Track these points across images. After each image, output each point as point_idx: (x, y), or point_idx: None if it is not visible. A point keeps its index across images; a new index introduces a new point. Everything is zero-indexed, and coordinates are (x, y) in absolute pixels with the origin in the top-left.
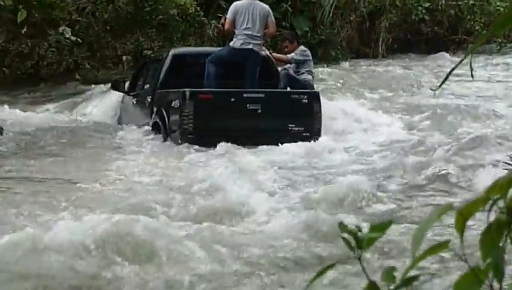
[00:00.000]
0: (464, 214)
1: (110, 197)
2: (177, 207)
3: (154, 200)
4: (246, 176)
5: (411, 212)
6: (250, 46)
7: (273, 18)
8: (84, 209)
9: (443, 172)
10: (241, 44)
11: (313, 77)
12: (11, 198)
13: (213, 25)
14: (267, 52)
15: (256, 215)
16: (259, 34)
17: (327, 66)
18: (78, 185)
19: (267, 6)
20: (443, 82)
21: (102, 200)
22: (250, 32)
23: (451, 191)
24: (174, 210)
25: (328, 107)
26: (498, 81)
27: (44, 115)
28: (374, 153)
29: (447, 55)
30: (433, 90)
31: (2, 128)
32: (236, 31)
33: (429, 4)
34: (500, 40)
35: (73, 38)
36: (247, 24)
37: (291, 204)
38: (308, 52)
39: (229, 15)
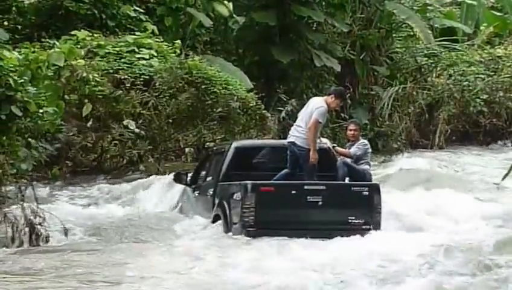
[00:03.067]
0: None
1: None
2: None
3: None
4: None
5: None
6: (292, 139)
7: (319, 113)
8: None
9: None
10: (289, 138)
11: (370, 166)
12: None
13: (273, 117)
14: (329, 145)
15: None
16: (303, 126)
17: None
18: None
19: (320, 103)
20: (506, 175)
21: None
22: (297, 125)
23: None
24: None
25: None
26: None
27: (107, 211)
28: None
29: (507, 147)
30: (495, 184)
31: (66, 229)
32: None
33: (487, 96)
34: None
35: (137, 130)
36: (300, 119)
37: None
38: (368, 145)
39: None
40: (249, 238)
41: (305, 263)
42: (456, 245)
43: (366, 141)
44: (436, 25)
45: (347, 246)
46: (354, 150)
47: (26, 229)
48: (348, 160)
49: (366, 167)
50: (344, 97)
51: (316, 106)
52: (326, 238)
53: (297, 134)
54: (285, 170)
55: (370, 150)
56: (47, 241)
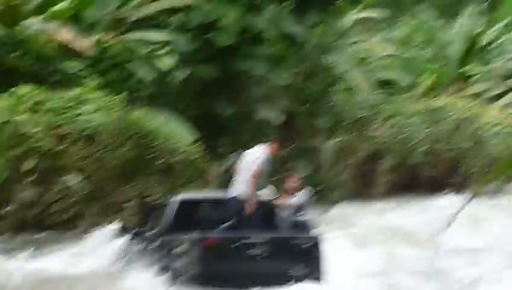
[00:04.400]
0: None
1: None
2: None
3: None
4: None
5: None
6: (237, 193)
7: (260, 163)
8: None
9: None
10: (233, 191)
11: (310, 217)
12: None
13: (216, 170)
14: (271, 196)
15: None
16: (246, 180)
17: (328, 209)
18: None
19: (260, 152)
20: (449, 225)
21: None
22: (242, 178)
23: None
24: None
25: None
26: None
27: (53, 266)
28: None
29: (448, 196)
30: (437, 233)
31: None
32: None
33: (427, 147)
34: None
35: (80, 184)
36: (242, 171)
37: None
38: (309, 196)
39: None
40: None
41: None
42: None
43: (306, 192)
44: (375, 77)
45: None
46: (295, 200)
47: None
48: (290, 213)
49: (309, 218)
50: (283, 145)
51: (256, 156)
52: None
53: (240, 186)
54: (228, 223)
55: (310, 200)
56: None
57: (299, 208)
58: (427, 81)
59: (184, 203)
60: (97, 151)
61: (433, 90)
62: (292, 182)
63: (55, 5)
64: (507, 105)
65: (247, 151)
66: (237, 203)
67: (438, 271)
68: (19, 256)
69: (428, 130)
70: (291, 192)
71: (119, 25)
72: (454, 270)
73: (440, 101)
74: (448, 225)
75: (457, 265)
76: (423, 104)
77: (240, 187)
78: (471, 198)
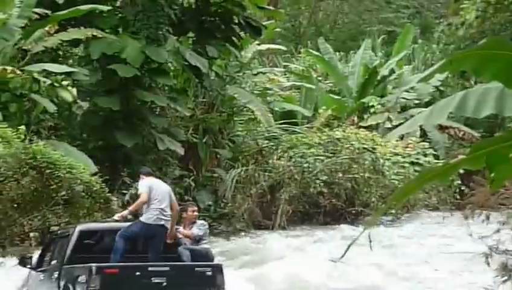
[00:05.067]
0: None
1: None
2: None
3: None
4: None
5: None
6: (163, 223)
7: (173, 197)
8: None
9: None
10: (154, 220)
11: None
12: None
13: (118, 200)
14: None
15: None
16: (169, 211)
17: (228, 239)
18: None
19: (168, 187)
20: (344, 253)
21: None
22: (161, 208)
23: None
24: None
25: None
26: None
27: None
28: None
29: (345, 226)
30: (333, 261)
31: None
32: (147, 206)
33: (327, 177)
34: (396, 212)
35: None
36: (159, 200)
37: None
38: (207, 225)
39: (145, 188)
40: None
41: None
42: None
43: (204, 222)
44: (276, 108)
45: None
46: (195, 230)
47: None
48: (188, 244)
49: (207, 246)
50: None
51: (169, 189)
52: None
53: (166, 218)
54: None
55: (208, 230)
56: None
57: (200, 237)
58: (326, 112)
59: (85, 233)
60: None
61: (332, 121)
62: (193, 211)
63: None
64: (404, 136)
65: (153, 182)
66: (162, 232)
67: None
68: None
69: (327, 160)
70: (190, 222)
71: (21, 57)
72: None
73: (339, 132)
74: (342, 256)
75: None
76: (323, 135)
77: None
78: (364, 230)
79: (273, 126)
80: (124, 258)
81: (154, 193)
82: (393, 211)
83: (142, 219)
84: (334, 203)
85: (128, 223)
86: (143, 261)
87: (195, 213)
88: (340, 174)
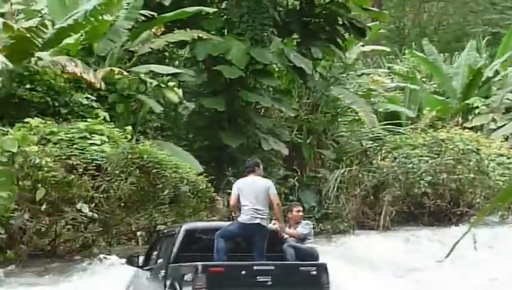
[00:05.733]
0: None
1: None
2: None
3: None
4: None
5: None
6: (257, 221)
7: (274, 190)
8: None
9: None
10: (249, 219)
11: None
12: None
13: (223, 200)
14: (277, 226)
15: None
16: (264, 208)
17: (333, 239)
18: None
19: (268, 181)
20: (449, 254)
21: None
22: (255, 208)
23: None
24: None
25: None
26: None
27: None
28: None
29: (450, 227)
30: (439, 261)
31: None
32: (242, 207)
33: (431, 178)
34: (502, 213)
35: (89, 214)
36: (251, 199)
37: None
38: (311, 225)
39: (234, 191)
40: None
41: None
42: None
43: (309, 221)
44: (380, 109)
45: None
46: (300, 230)
47: None
48: (292, 242)
49: (313, 246)
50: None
51: (267, 185)
52: None
53: (261, 216)
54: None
55: (312, 229)
56: None
57: (305, 237)
58: (431, 113)
59: (191, 232)
60: (107, 181)
61: (436, 122)
62: (298, 211)
63: (66, 38)
64: (509, 136)
65: (249, 181)
66: (262, 231)
67: None
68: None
69: (431, 161)
70: (295, 222)
71: (128, 58)
72: None
73: (443, 132)
74: (446, 256)
75: None
76: (427, 136)
77: (263, 217)
78: (468, 230)
79: (377, 127)
80: (229, 258)
81: (246, 193)
82: (500, 212)
83: (239, 219)
84: (438, 203)
85: (228, 223)
86: (247, 260)
87: (300, 213)
88: (445, 175)
